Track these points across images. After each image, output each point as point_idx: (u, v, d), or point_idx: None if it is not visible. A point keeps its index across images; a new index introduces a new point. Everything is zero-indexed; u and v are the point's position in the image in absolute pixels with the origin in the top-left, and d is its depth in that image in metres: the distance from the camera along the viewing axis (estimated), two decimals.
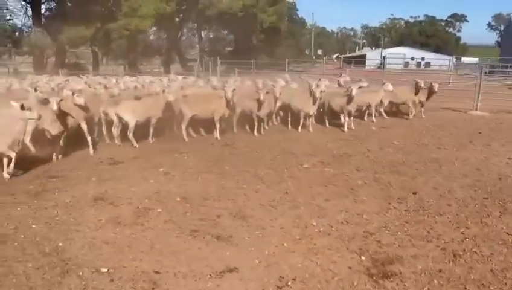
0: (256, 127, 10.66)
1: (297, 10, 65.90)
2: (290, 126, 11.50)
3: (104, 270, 4.08)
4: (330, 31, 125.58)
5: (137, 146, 9.23)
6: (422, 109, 13.58)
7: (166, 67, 38.22)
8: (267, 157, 8.48)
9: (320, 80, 12.50)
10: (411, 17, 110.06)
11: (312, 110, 10.98)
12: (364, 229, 5.00)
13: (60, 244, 4.63)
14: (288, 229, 5.01)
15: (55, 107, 7.32)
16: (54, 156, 7.87)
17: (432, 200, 5.99)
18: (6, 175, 6.87)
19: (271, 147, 9.43)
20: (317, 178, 7.05)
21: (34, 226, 5.12)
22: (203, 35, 49.90)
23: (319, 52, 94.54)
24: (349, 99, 10.96)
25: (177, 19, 38.69)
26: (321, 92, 10.75)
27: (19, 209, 5.69)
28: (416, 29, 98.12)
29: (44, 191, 6.42)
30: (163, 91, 9.53)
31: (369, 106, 12.51)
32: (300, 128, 11.12)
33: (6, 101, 7.48)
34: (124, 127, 9.25)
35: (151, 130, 9.75)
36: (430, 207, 5.75)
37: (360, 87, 11.43)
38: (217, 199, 6.04)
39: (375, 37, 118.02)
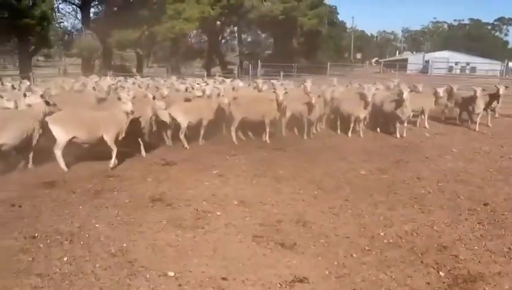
0: (306, 131, 10.45)
1: (337, 13, 65.03)
2: (339, 131, 11.21)
3: (171, 274, 4.01)
4: (369, 34, 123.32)
5: (188, 147, 9.24)
6: (489, 116, 12.66)
7: (207, 70, 38.62)
8: (321, 162, 8.25)
9: (375, 83, 12.13)
10: (455, 20, 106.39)
11: (363, 114, 10.65)
12: (437, 242, 4.70)
13: (124, 245, 4.62)
14: (354, 239, 4.78)
15: (129, 108, 7.43)
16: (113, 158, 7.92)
17: (506, 213, 5.58)
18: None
19: (322, 151, 9.20)
20: (376, 185, 6.76)
21: (97, 225, 5.15)
22: (242, 39, 50.18)
23: (358, 56, 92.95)
24: (400, 103, 10.54)
25: (218, 22, 39.09)
26: (372, 95, 10.44)
27: (80, 207, 5.76)
28: (460, 33, 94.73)
29: (103, 190, 6.48)
30: (218, 94, 9.49)
31: (422, 111, 12.02)
32: (350, 132, 10.80)
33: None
34: (174, 128, 9.30)
35: (202, 132, 9.74)
36: (506, 221, 5.35)
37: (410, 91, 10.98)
38: (275, 204, 5.89)
39: (417, 41, 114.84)
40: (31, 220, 5.28)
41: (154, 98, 8.73)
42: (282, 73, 22.61)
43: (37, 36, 22.88)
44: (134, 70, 33.28)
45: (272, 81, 14.29)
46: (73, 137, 7.30)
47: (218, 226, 5.13)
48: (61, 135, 7.19)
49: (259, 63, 34.09)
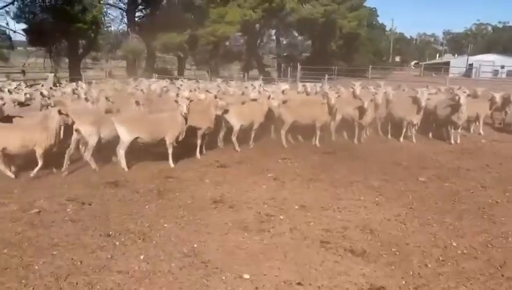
0: (356, 135, 10.32)
1: (377, 16, 63.91)
2: (389, 135, 10.99)
3: (246, 276, 4.05)
4: (409, 37, 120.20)
5: (239, 150, 9.33)
6: None
7: (245, 73, 38.87)
8: (376, 167, 8.12)
9: (427, 87, 11.83)
10: (500, 22, 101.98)
11: (416, 119, 10.40)
12: None
13: (195, 245, 4.71)
14: (426, 249, 4.67)
15: (185, 110, 7.60)
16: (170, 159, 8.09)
17: None
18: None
19: (375, 156, 9.05)
20: (439, 194, 6.57)
21: (165, 225, 5.28)
22: (280, 41, 50.20)
23: (397, 59, 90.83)
24: (456, 108, 10.20)
25: (257, 25, 39.27)
26: (426, 100, 10.19)
27: (147, 207, 5.93)
28: (506, 35, 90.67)
29: (165, 190, 6.65)
30: (269, 97, 9.55)
31: (477, 117, 11.61)
32: (402, 138, 10.57)
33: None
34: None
35: (253, 135, 9.81)
36: None
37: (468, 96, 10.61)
38: (337, 210, 5.84)
39: (458, 44, 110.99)
40: (103, 219, 5.48)
41: (216, 97, 8.91)
42: (326, 76, 22.36)
43: (87, 40, 23.83)
44: (175, 73, 33.98)
45: (304, 84, 14.14)
46: (137, 137, 7.54)
47: (283, 230, 5.14)
48: (126, 135, 7.45)
49: (299, 66, 34.04)
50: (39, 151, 6.98)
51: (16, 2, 23.10)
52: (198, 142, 8.64)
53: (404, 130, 10.59)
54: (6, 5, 23.26)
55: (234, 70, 45.11)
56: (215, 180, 7.20)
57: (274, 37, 50.18)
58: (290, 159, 8.72)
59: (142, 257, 4.43)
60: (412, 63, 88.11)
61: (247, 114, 9.32)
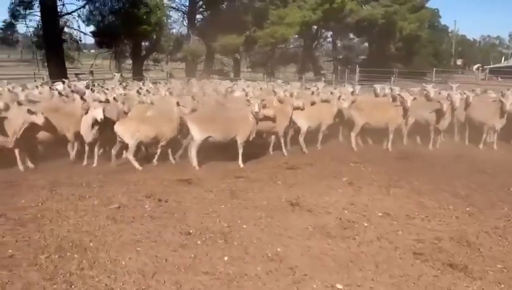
0: (432, 140, 9.70)
1: (440, 17, 60.97)
2: (467, 141, 10.25)
3: (340, 286, 3.79)
4: (472, 39, 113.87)
5: (306, 152, 9.07)
6: None
7: (302, 76, 38.51)
8: (458, 174, 7.55)
9: (509, 90, 10.94)
10: None
11: (499, 124, 9.60)
12: None
13: (279, 249, 4.51)
14: None
15: (256, 109, 7.49)
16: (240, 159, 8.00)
17: None
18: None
19: (455, 163, 8.48)
20: None
21: (244, 226, 5.13)
22: (336, 43, 49.32)
23: (459, 62, 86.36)
24: None
25: (314, 27, 38.76)
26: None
27: (222, 206, 5.82)
28: None
29: (237, 190, 6.52)
30: (339, 98, 9.22)
31: None
32: (482, 144, 9.80)
33: None
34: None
35: (320, 137, 9.53)
36: None
37: None
38: (425, 219, 5.42)
39: None
40: (181, 216, 5.44)
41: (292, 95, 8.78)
42: (392, 78, 21.53)
43: (151, 42, 24.66)
44: (231, 74, 34.31)
45: (374, 85, 13.53)
46: (209, 136, 7.51)
47: (370, 239, 4.81)
48: (198, 133, 7.44)
49: (357, 68, 33.17)
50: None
51: (87, 6, 24.37)
52: (272, 142, 8.46)
53: (484, 136, 9.82)
54: (78, 9, 24.62)
55: (289, 73, 44.82)
56: (288, 182, 6.99)
57: (330, 39, 49.45)
58: (362, 163, 8.33)
59: (226, 259, 4.29)
60: (475, 67, 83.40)
61: (316, 115, 9.04)
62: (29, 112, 7.13)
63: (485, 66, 73.78)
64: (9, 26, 24.27)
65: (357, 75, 32.41)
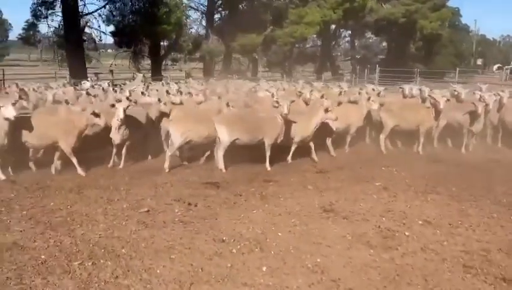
0: (464, 143, 9.34)
1: (461, 16, 59.71)
2: (499, 144, 9.86)
3: None
4: (491, 39, 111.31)
5: (334, 155, 8.83)
6: None
7: (321, 75, 38.13)
8: (497, 180, 7.21)
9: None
10: None
11: None
12: None
13: (318, 260, 4.30)
14: None
15: (286, 111, 7.29)
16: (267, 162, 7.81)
17: None
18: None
19: (491, 167, 8.13)
20: None
21: (279, 234, 4.93)
22: (355, 43, 48.75)
23: (479, 62, 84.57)
24: None
25: (333, 26, 38.34)
26: None
27: (254, 212, 5.64)
28: None
29: (267, 195, 6.34)
30: (369, 98, 8.94)
31: None
32: None
33: None
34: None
35: (348, 139, 9.26)
36: None
37: None
38: (469, 228, 5.14)
39: None
40: (212, 222, 5.27)
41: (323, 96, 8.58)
42: (418, 78, 21.05)
43: (170, 41, 24.68)
44: (249, 74, 34.15)
45: (402, 86, 13.12)
46: (236, 139, 7.33)
47: (413, 249, 4.56)
48: (226, 135, 7.27)
49: (378, 68, 32.66)
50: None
51: (107, 6, 24.51)
52: (294, 146, 8.20)
53: None
54: (99, 8, 24.78)
55: (307, 73, 44.45)
56: (318, 187, 6.76)
57: (348, 39, 48.90)
58: (393, 167, 8.03)
59: (264, 269, 4.10)
60: (495, 67, 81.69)
61: (344, 117, 8.74)
62: (94, 114, 7.02)
63: (506, 67, 72.16)
64: (32, 26, 24.58)
65: (377, 75, 31.92)
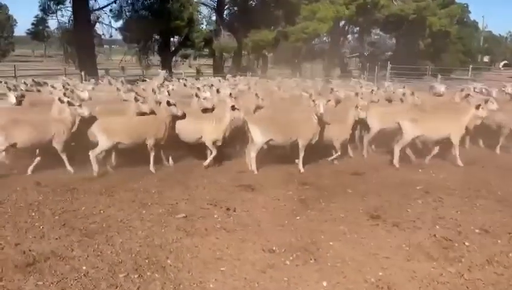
0: (500, 144, 8.98)
1: (469, 12, 59.01)
2: None
3: None
4: (498, 35, 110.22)
5: (366, 155, 8.53)
6: None
7: (327, 72, 37.70)
8: None
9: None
10: None
11: None
12: None
13: (380, 273, 4.00)
14: None
15: (321, 111, 6.97)
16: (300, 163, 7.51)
17: None
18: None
19: None
20: None
21: (331, 243, 4.63)
22: (364, 39, 48.19)
23: (485, 59, 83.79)
24: None
25: (342, 22, 37.86)
26: None
27: (298, 218, 5.35)
28: None
29: (307, 199, 6.04)
30: (412, 93, 8.58)
31: None
32: None
33: None
34: None
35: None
36: None
37: None
38: None
39: None
40: (256, 229, 4.99)
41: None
42: (439, 76, 20.67)
43: (182, 37, 24.35)
44: (259, 71, 33.79)
45: (432, 84, 12.82)
46: (270, 139, 7.04)
47: (479, 262, 4.25)
48: (259, 136, 6.99)
49: (389, 65, 32.26)
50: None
51: (118, 1, 24.19)
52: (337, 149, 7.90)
53: None
54: (110, 3, 24.45)
55: (316, 70, 43.99)
56: (358, 190, 6.46)
57: (357, 35, 48.35)
58: (429, 168, 7.72)
59: (325, 284, 3.81)
60: (501, 64, 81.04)
61: (390, 117, 8.29)
62: (169, 104, 7.06)
63: (507, 63, 71.18)
64: (41, 21, 24.26)
65: (388, 72, 31.53)
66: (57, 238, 4.61)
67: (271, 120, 7.20)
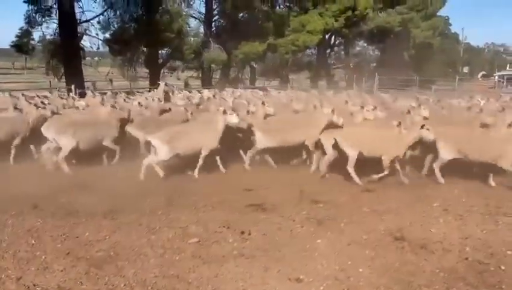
0: None
1: (451, 25, 60.37)
2: None
3: None
4: (476, 46, 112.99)
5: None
6: None
7: (314, 83, 37.81)
8: None
9: None
10: None
11: None
12: None
13: None
14: None
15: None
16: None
17: None
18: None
19: None
20: None
21: (360, 270, 4.33)
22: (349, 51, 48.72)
23: (465, 69, 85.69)
24: None
25: (328, 34, 38.14)
26: None
27: (319, 241, 5.03)
28: None
29: (324, 219, 5.72)
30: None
31: None
32: None
33: None
34: None
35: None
36: None
37: None
38: None
39: None
40: (277, 255, 4.65)
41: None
42: (433, 88, 20.69)
43: (171, 49, 24.02)
44: (247, 82, 33.69)
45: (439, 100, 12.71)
46: (359, 153, 7.10)
47: None
48: (351, 151, 7.09)
49: (377, 76, 32.51)
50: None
51: (106, 13, 23.75)
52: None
53: None
54: (97, 15, 23.99)
55: (302, 80, 44.11)
56: (375, 209, 6.17)
57: (342, 47, 48.82)
58: (440, 184, 7.50)
59: None
60: (480, 74, 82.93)
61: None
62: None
63: (485, 74, 72.91)
64: (26, 33, 23.60)
65: (376, 83, 31.75)
66: (62, 270, 4.20)
67: (359, 135, 7.44)
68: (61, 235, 5.02)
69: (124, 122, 8.29)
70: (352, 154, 7.17)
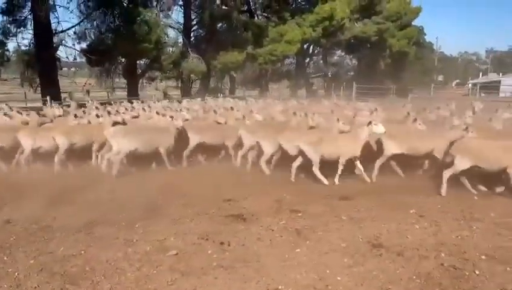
0: None
1: (425, 34, 62.04)
2: None
3: None
4: (449, 55, 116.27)
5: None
6: None
7: (293, 92, 38.19)
8: None
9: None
10: None
11: None
12: None
13: None
14: None
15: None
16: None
17: None
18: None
19: None
20: None
21: (338, 278, 4.35)
22: (327, 60, 49.47)
23: (440, 78, 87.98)
24: None
25: (306, 44, 38.67)
26: None
27: (297, 250, 5.04)
28: None
29: (303, 229, 5.75)
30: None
31: None
32: None
33: None
34: None
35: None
36: None
37: None
38: None
39: (503, 62, 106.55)
40: (256, 265, 4.63)
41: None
42: (410, 96, 21.05)
43: (150, 60, 23.87)
44: (227, 92, 33.76)
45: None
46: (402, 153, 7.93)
47: None
48: (394, 148, 7.87)
49: (354, 85, 33.04)
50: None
51: (82, 23, 23.45)
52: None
53: None
54: (74, 26, 23.68)
55: (282, 90, 44.46)
56: (353, 217, 6.23)
57: (320, 56, 49.53)
58: (419, 191, 7.64)
59: None
60: (454, 83, 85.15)
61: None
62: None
63: (473, 82, 75.15)
64: (0, 44, 23.08)
65: (354, 92, 32.26)
66: (35, 287, 4.10)
67: (406, 133, 8.31)
68: (35, 251, 4.91)
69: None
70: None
